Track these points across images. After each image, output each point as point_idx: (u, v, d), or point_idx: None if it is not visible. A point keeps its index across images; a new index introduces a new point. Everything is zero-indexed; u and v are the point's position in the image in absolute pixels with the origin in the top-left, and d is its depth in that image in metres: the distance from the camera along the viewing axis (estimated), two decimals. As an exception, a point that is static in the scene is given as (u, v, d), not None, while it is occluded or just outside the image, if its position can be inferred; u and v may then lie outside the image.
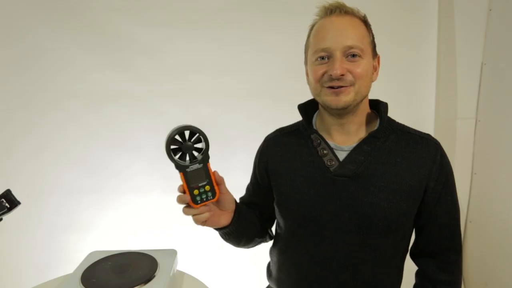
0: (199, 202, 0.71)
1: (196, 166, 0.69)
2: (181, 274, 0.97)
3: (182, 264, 0.98)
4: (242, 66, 1.56)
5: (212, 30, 1.52)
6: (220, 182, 0.75)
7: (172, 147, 0.68)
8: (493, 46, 1.51)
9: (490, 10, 1.50)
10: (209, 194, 0.72)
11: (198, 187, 0.70)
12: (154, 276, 0.83)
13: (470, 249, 1.67)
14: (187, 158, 0.70)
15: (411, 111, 1.59)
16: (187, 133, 0.69)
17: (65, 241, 1.61)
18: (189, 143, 0.68)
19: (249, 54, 1.55)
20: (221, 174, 0.76)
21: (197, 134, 0.69)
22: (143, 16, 1.49)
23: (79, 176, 1.59)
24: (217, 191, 0.73)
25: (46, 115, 1.54)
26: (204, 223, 0.76)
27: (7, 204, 0.79)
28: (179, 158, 0.69)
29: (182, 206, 0.74)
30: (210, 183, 0.71)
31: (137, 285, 0.79)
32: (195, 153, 0.70)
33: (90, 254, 0.94)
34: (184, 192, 0.71)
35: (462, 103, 1.60)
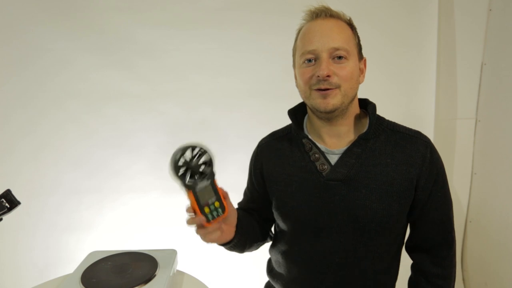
0: (211, 219, 0.70)
1: (204, 183, 0.69)
2: (181, 274, 0.97)
3: (182, 264, 0.98)
4: (242, 66, 1.56)
5: (212, 30, 1.52)
6: (225, 196, 0.75)
7: (179, 169, 0.67)
8: (493, 46, 1.51)
9: (490, 10, 1.50)
10: (219, 210, 0.71)
11: (208, 204, 0.70)
12: (154, 276, 0.83)
13: (470, 249, 1.67)
14: (192, 176, 0.69)
15: (411, 111, 1.59)
16: (189, 152, 0.68)
17: (65, 241, 1.61)
18: (194, 161, 0.68)
19: (249, 54, 1.55)
20: (220, 174, 0.75)
21: (200, 150, 0.68)
22: (143, 16, 1.49)
23: (79, 176, 1.58)
24: (225, 206, 0.73)
25: (46, 115, 1.54)
26: (212, 241, 0.76)
27: (7, 204, 0.79)
28: (184, 177, 0.68)
29: (189, 215, 0.73)
30: (218, 198, 0.71)
31: (137, 285, 0.79)
32: (201, 171, 0.69)
33: (90, 254, 0.94)
34: (193, 212, 0.70)
35: (462, 103, 1.60)
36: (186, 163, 0.67)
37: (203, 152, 0.69)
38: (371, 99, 0.86)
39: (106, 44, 1.50)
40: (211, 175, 0.70)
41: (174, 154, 0.67)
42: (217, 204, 0.71)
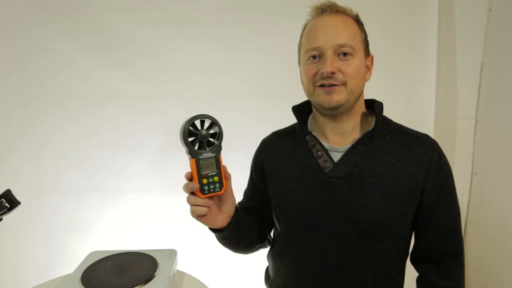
0: (206, 192, 0.72)
1: (208, 154, 0.71)
2: (181, 274, 0.97)
3: (182, 264, 0.98)
4: (242, 66, 1.56)
5: (212, 30, 1.52)
6: (228, 177, 0.75)
7: (189, 133, 0.70)
8: (493, 46, 1.51)
9: (490, 10, 1.50)
10: (217, 185, 0.72)
11: (208, 176, 0.71)
12: (154, 276, 0.82)
13: (470, 249, 1.67)
14: (201, 146, 0.72)
15: (411, 111, 1.59)
16: (203, 123, 0.71)
17: (65, 241, 1.61)
18: (205, 132, 0.71)
19: (249, 54, 1.55)
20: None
21: (214, 124, 0.71)
22: (143, 16, 1.49)
23: (79, 176, 1.58)
24: (224, 184, 0.73)
25: (46, 115, 1.54)
26: (200, 217, 0.75)
27: (7, 204, 0.79)
28: (191, 144, 0.71)
29: (186, 196, 0.74)
30: (219, 174, 0.72)
31: (137, 285, 0.79)
32: (209, 143, 0.72)
33: (90, 254, 0.94)
34: (191, 180, 0.72)
35: (462, 103, 1.60)
36: (195, 132, 0.70)
37: (214, 126, 0.72)
38: (367, 98, 0.85)
39: (106, 44, 1.50)
40: (217, 149, 0.72)
41: (186, 121, 0.70)
42: (216, 179, 0.72)
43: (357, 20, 0.79)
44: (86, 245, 1.61)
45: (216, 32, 1.53)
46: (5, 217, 0.80)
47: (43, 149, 1.55)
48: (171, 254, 0.93)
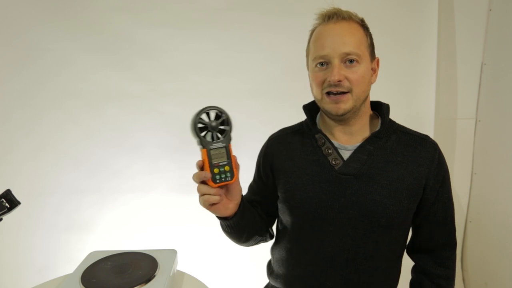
0: (217, 181, 0.73)
1: (219, 144, 0.72)
2: (181, 274, 0.97)
3: (182, 264, 0.98)
4: (242, 66, 1.56)
5: (212, 30, 1.52)
6: (237, 167, 0.76)
7: (199, 125, 0.71)
8: (493, 46, 1.51)
9: (490, 10, 1.50)
10: (228, 175, 0.73)
11: (219, 165, 0.72)
12: (154, 276, 0.83)
13: (470, 249, 1.67)
14: (212, 137, 0.73)
15: (411, 111, 1.59)
16: (212, 114, 0.72)
17: (65, 241, 1.61)
18: (214, 122, 0.72)
19: (249, 54, 1.55)
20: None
21: (223, 115, 0.72)
22: (143, 16, 1.49)
23: (79, 176, 1.58)
24: (235, 173, 0.74)
25: (46, 115, 1.54)
26: (211, 206, 0.75)
27: (7, 204, 0.79)
28: (202, 135, 0.72)
29: (197, 186, 0.74)
30: (230, 164, 0.73)
31: (137, 285, 0.79)
32: (219, 134, 0.73)
33: (90, 254, 0.94)
34: (203, 169, 0.73)
35: (462, 103, 1.60)
36: (206, 123, 0.71)
37: (224, 116, 0.72)
38: (371, 99, 0.86)
39: (106, 44, 1.50)
40: (228, 140, 0.73)
41: (197, 112, 0.71)
42: (227, 168, 0.73)
43: (363, 25, 0.81)
44: (86, 245, 1.61)
45: (216, 32, 1.53)
46: (5, 217, 0.80)
47: (43, 149, 1.55)
48: (171, 254, 0.93)
